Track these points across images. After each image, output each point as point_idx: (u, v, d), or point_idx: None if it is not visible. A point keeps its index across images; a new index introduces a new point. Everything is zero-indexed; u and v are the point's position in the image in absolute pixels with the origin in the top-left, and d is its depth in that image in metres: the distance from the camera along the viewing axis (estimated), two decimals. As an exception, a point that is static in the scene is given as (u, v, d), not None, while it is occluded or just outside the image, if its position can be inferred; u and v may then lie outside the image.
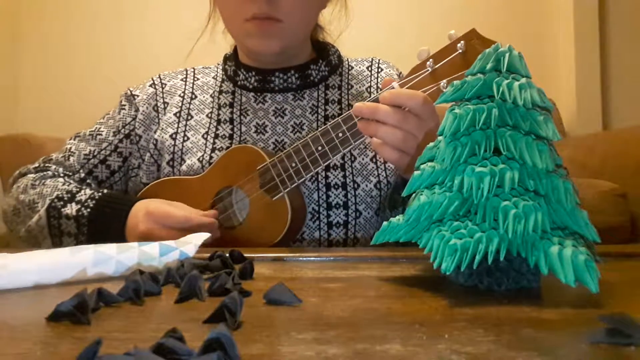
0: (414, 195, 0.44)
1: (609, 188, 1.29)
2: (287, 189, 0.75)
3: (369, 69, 0.96)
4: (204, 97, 0.93)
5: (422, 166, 0.43)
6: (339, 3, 0.94)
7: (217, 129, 0.88)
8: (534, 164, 0.37)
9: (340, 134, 0.72)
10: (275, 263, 0.56)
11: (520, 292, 0.39)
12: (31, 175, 0.88)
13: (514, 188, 0.38)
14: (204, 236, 0.54)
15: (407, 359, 0.24)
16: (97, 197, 0.80)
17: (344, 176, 0.84)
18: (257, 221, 0.77)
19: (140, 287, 0.37)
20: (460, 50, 0.68)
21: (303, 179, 0.74)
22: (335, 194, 0.84)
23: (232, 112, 0.90)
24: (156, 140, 0.90)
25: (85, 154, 0.90)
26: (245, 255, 0.54)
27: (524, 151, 0.38)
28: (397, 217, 0.45)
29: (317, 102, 0.90)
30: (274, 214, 0.76)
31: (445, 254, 0.37)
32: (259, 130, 0.88)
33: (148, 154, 0.91)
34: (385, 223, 0.45)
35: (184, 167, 0.86)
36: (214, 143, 0.87)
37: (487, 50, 0.41)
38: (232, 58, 0.94)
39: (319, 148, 0.73)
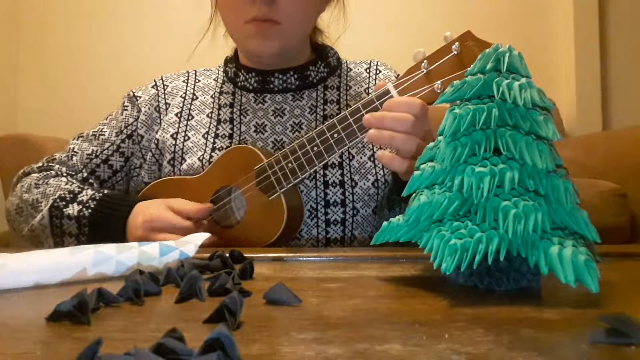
0: (414, 195, 0.44)
1: (609, 188, 1.29)
2: (283, 189, 0.75)
3: (368, 71, 0.97)
4: (204, 98, 0.94)
5: (422, 166, 0.43)
6: (338, 6, 0.95)
7: (217, 129, 0.89)
8: (534, 164, 0.37)
9: (336, 135, 0.73)
10: (275, 263, 0.56)
11: (520, 292, 0.39)
12: (35, 175, 0.89)
13: (514, 188, 0.38)
14: (204, 236, 0.54)
15: (407, 359, 0.24)
16: (97, 198, 0.81)
17: (342, 174, 0.85)
18: (254, 220, 0.78)
19: (140, 287, 0.37)
20: (455, 52, 0.69)
21: (299, 179, 0.75)
22: (333, 192, 0.84)
23: (232, 112, 0.91)
24: (157, 140, 0.91)
25: (88, 154, 0.91)
26: (245, 255, 0.54)
27: (524, 151, 0.38)
28: (397, 217, 0.45)
29: (316, 102, 0.91)
30: (271, 213, 0.76)
31: (445, 254, 0.37)
32: (258, 130, 0.88)
33: (150, 154, 0.92)
34: (385, 223, 0.45)
35: (184, 166, 0.87)
36: (214, 142, 0.88)
37: (487, 50, 0.41)
38: (232, 60, 0.95)
39: (314, 148, 0.74)
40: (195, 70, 0.99)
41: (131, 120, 0.93)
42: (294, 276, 0.47)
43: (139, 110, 0.93)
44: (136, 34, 2.03)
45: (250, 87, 0.91)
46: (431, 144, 0.44)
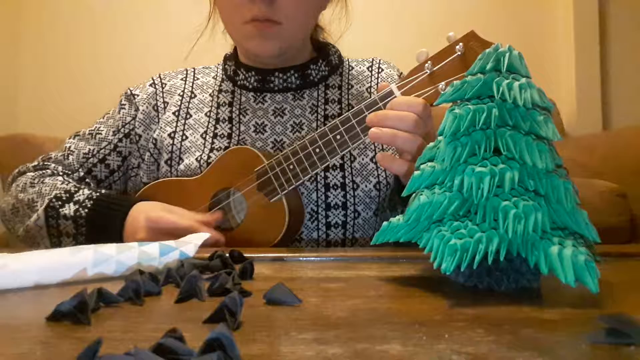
0: (414, 195, 0.44)
1: (609, 188, 1.29)
2: (285, 191, 0.75)
3: (370, 69, 0.96)
4: (203, 96, 0.93)
5: (422, 166, 0.43)
6: (340, 4, 0.94)
7: (215, 128, 0.88)
8: (534, 164, 0.37)
9: (338, 136, 0.72)
10: (275, 263, 0.56)
11: (520, 292, 0.39)
12: (30, 174, 0.88)
13: (514, 188, 0.38)
14: (204, 236, 0.54)
15: (407, 359, 0.24)
16: (94, 198, 0.79)
17: (343, 176, 0.84)
18: (255, 223, 0.77)
19: (140, 287, 0.37)
20: (459, 53, 0.68)
21: (301, 181, 0.74)
22: (334, 195, 0.83)
23: (231, 112, 0.90)
24: (155, 139, 0.90)
25: (84, 153, 0.90)
26: (245, 255, 0.54)
27: (524, 151, 0.38)
28: (397, 217, 0.45)
29: (317, 101, 0.90)
30: (272, 216, 0.76)
31: (445, 254, 0.37)
32: (258, 130, 0.87)
33: (148, 153, 0.91)
34: (385, 223, 0.45)
35: (181, 167, 0.86)
36: (212, 143, 0.86)
37: (487, 50, 0.41)
38: (232, 58, 0.94)
39: (317, 150, 0.73)
40: (193, 68, 0.98)
41: (129, 119, 0.92)
42: (294, 276, 0.47)
43: (137, 109, 0.92)
44: (135, 33, 2.03)
45: (250, 86, 0.90)
46: (431, 144, 0.44)
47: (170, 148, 0.88)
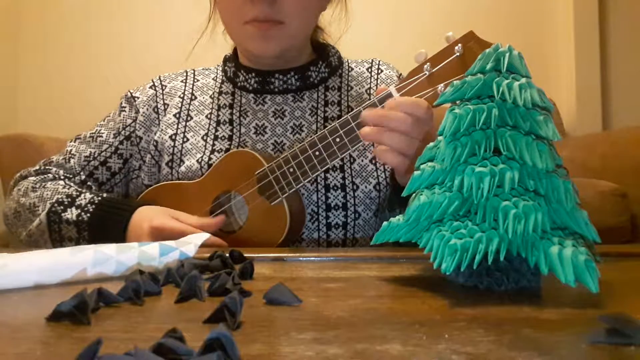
0: (414, 195, 0.44)
1: (609, 188, 1.29)
2: (286, 194, 0.75)
3: (369, 70, 0.96)
4: (203, 98, 0.93)
5: (422, 166, 0.43)
6: (339, 5, 0.94)
7: (216, 130, 0.88)
8: (534, 164, 0.37)
9: (338, 139, 0.72)
10: (275, 263, 0.56)
11: (520, 292, 0.39)
12: (32, 178, 0.88)
13: (514, 188, 0.38)
14: (204, 236, 0.54)
15: (407, 359, 0.24)
16: (96, 202, 0.80)
17: (343, 177, 0.84)
18: (256, 226, 0.77)
19: (140, 287, 0.37)
20: (458, 54, 0.68)
21: (301, 184, 0.75)
22: (334, 196, 0.83)
23: (231, 113, 0.90)
24: (156, 141, 0.90)
25: (85, 156, 0.90)
26: (245, 255, 0.54)
27: (524, 151, 0.38)
28: (397, 217, 0.45)
29: (317, 103, 0.90)
30: (273, 219, 0.76)
31: (445, 254, 0.37)
32: (258, 132, 0.87)
33: (149, 156, 0.91)
34: (385, 223, 0.45)
35: (182, 168, 0.86)
36: (213, 144, 0.87)
37: (487, 50, 0.41)
38: (231, 59, 0.94)
39: (317, 153, 0.73)
40: (193, 70, 0.98)
41: (129, 121, 0.92)
42: (294, 276, 0.47)
43: (137, 111, 0.92)
44: (135, 33, 2.03)
45: (250, 88, 0.90)
46: (431, 144, 0.44)
47: (171, 150, 0.88)
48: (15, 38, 2.04)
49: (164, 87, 0.94)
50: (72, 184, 0.87)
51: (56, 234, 0.80)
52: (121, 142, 0.91)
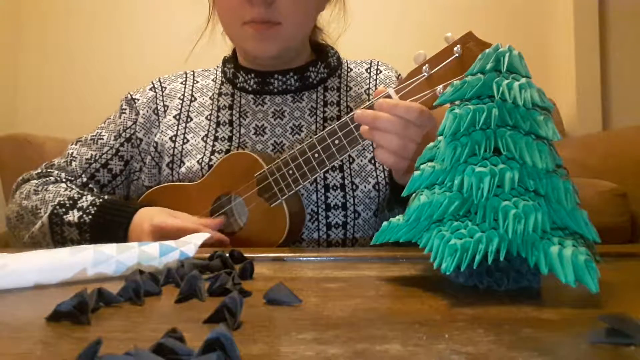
0: (414, 195, 0.44)
1: (609, 188, 1.29)
2: (285, 196, 0.75)
3: (368, 70, 0.96)
4: (203, 99, 0.93)
5: (422, 166, 0.43)
6: (338, 5, 0.94)
7: (216, 131, 0.88)
8: (534, 164, 0.37)
9: (337, 141, 0.72)
10: (275, 263, 0.56)
11: (520, 292, 0.39)
12: (34, 181, 0.88)
13: (514, 188, 0.38)
14: (204, 236, 0.54)
15: (407, 359, 0.24)
16: (98, 204, 0.80)
17: (343, 177, 0.85)
18: (256, 227, 0.78)
19: (140, 287, 0.37)
20: (457, 54, 0.67)
21: (300, 186, 0.75)
22: (334, 195, 0.84)
23: (231, 114, 0.90)
24: (157, 143, 0.90)
25: (87, 159, 0.90)
26: (245, 255, 0.54)
27: (524, 151, 0.38)
28: (397, 217, 0.45)
29: (316, 104, 0.90)
30: (273, 220, 0.76)
31: (445, 254, 0.37)
32: (258, 132, 0.88)
33: (149, 157, 0.91)
34: (385, 223, 0.45)
35: (182, 170, 0.86)
36: (213, 145, 0.87)
37: (487, 50, 0.41)
38: (231, 60, 0.94)
39: (316, 155, 0.73)
40: (193, 71, 0.98)
41: (129, 123, 0.92)
42: (294, 276, 0.47)
43: (137, 113, 0.92)
44: (135, 33, 2.03)
45: (250, 89, 0.91)
46: (431, 144, 0.44)
47: (171, 151, 0.88)
48: (15, 38, 2.04)
49: (163, 89, 0.95)
50: (73, 187, 0.87)
51: (58, 236, 0.80)
52: (122, 144, 0.91)
